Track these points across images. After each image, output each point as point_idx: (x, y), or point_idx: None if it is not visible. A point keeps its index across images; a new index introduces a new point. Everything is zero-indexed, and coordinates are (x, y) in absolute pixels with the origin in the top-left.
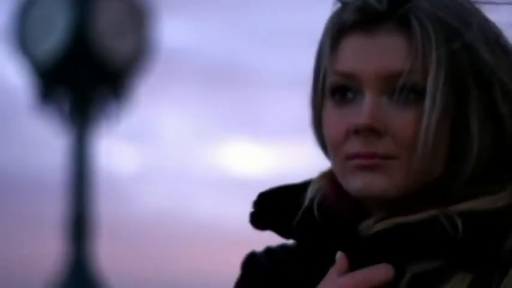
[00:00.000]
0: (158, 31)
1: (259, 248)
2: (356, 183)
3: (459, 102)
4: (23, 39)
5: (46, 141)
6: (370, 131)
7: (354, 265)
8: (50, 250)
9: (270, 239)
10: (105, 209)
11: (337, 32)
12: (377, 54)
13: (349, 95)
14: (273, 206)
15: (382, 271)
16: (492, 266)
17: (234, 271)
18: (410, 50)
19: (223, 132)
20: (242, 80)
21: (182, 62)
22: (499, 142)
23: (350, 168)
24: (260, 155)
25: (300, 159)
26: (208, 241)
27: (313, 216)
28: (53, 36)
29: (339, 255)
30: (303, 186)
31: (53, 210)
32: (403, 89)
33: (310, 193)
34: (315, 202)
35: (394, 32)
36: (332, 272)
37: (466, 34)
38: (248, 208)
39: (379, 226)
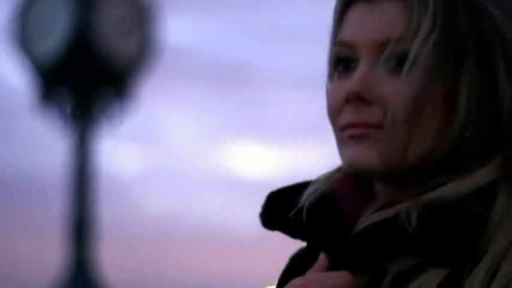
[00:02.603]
0: (162, 30)
1: (265, 249)
2: (347, 156)
3: (454, 71)
4: (24, 38)
5: (47, 142)
6: (360, 100)
7: (336, 265)
8: (51, 252)
9: (276, 241)
10: (107, 211)
11: (343, 4)
12: (374, 22)
13: (352, 65)
14: (279, 206)
15: (337, 278)
16: (465, 259)
17: (239, 272)
18: (406, 16)
19: (228, 133)
20: (248, 80)
21: (187, 62)
22: (491, 120)
23: (344, 139)
24: (266, 157)
25: (306, 161)
26: (213, 243)
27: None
28: (55, 35)
29: (321, 255)
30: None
31: (54, 212)
32: (395, 57)
33: (306, 193)
34: (306, 202)
35: (395, 1)
36: (309, 271)
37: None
38: (253, 210)
39: (361, 224)
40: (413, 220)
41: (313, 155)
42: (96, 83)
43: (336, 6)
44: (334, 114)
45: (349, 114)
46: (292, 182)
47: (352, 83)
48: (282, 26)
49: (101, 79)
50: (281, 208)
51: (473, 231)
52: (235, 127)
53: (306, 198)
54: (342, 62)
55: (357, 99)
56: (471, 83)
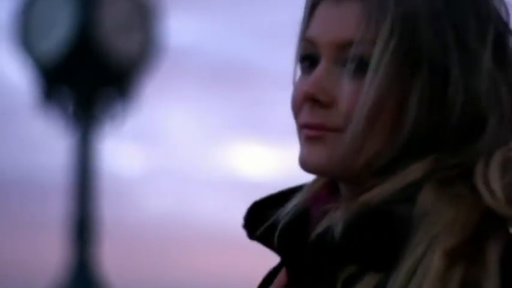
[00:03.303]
0: (164, 30)
1: (265, 250)
2: (301, 155)
3: (410, 76)
4: (26, 37)
5: (49, 141)
6: (316, 101)
7: (295, 279)
8: (52, 252)
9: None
10: (109, 211)
11: (312, 2)
12: (336, 22)
13: (316, 62)
14: (260, 217)
15: None
16: (392, 262)
17: (240, 273)
18: (364, 18)
19: (229, 132)
20: (249, 79)
21: (188, 62)
22: (441, 124)
23: (301, 138)
24: (267, 156)
25: None
26: (214, 243)
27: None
28: (57, 34)
29: (282, 270)
30: (294, 191)
31: (55, 212)
32: (353, 60)
33: (285, 209)
34: (282, 219)
35: (360, 0)
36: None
37: (438, 4)
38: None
39: (312, 236)
40: (339, 227)
41: None
42: (97, 82)
43: (306, 2)
44: (294, 111)
45: (306, 114)
46: (289, 185)
47: (308, 83)
48: (283, 26)
49: (102, 78)
50: (262, 219)
51: (395, 232)
52: (236, 127)
53: (282, 215)
54: (307, 58)
55: (312, 100)
56: (423, 89)
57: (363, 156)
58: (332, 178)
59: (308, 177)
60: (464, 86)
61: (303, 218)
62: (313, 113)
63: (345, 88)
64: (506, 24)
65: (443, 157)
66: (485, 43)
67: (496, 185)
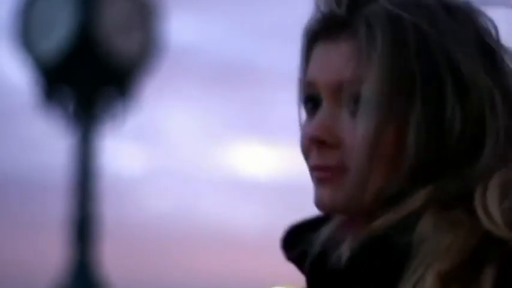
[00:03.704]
0: (165, 29)
1: (266, 249)
2: (315, 196)
3: (405, 107)
4: (27, 37)
5: (49, 141)
6: (322, 143)
7: None
8: (53, 252)
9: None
10: (109, 210)
11: (307, 41)
12: (331, 62)
13: (318, 104)
14: (296, 240)
15: None
16: None
17: (241, 272)
18: (357, 56)
19: (230, 132)
20: (250, 79)
21: (189, 61)
22: (440, 149)
23: (313, 180)
24: (268, 156)
25: None
26: (215, 243)
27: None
28: (57, 34)
29: None
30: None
31: (56, 212)
32: (351, 98)
33: (318, 238)
34: (313, 249)
35: (351, 38)
36: None
37: (428, 30)
38: (255, 209)
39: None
40: (346, 255)
41: None
42: (98, 82)
43: (302, 43)
44: (304, 153)
45: (315, 157)
46: (291, 185)
47: (313, 127)
48: (285, 26)
49: (103, 78)
50: (298, 242)
51: (393, 260)
52: (237, 127)
53: (314, 242)
54: (310, 100)
55: (318, 142)
56: (419, 118)
57: (369, 191)
58: (346, 214)
59: (308, 178)
60: (460, 110)
61: (330, 246)
62: (321, 155)
63: (347, 127)
64: (496, 40)
65: (443, 183)
66: (478, 63)
67: (495, 209)
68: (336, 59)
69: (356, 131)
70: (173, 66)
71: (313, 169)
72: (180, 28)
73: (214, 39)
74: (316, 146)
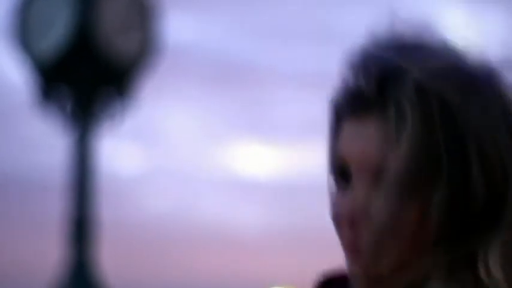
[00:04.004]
0: (164, 27)
1: (266, 249)
2: (347, 268)
3: (429, 186)
4: (25, 35)
5: (47, 140)
6: (353, 222)
7: None
8: (51, 252)
9: (277, 241)
10: (108, 210)
11: (336, 115)
12: (361, 141)
13: (349, 178)
14: None
15: None
16: None
17: (241, 272)
18: (386, 137)
19: (230, 132)
20: (250, 79)
21: (188, 60)
22: (459, 221)
23: (345, 254)
24: (267, 156)
25: (309, 160)
26: (215, 244)
27: None
28: (55, 33)
29: None
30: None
31: (54, 212)
32: (380, 179)
33: None
34: None
35: (380, 116)
36: None
37: (457, 109)
38: (255, 209)
39: None
40: None
41: (315, 154)
42: (96, 81)
43: (330, 117)
44: (335, 225)
45: (345, 233)
46: (291, 185)
47: (344, 205)
48: (283, 25)
49: (101, 77)
50: None
51: None
52: (237, 126)
53: None
54: (340, 173)
55: (350, 221)
56: (443, 195)
57: (391, 263)
58: (367, 283)
59: (308, 178)
60: (484, 186)
61: None
62: (352, 232)
63: (378, 205)
64: None
65: (454, 247)
66: (504, 139)
67: (499, 274)
68: (365, 137)
69: (380, 207)
70: (172, 65)
71: (343, 243)
72: (179, 27)
73: (214, 38)
74: (348, 224)
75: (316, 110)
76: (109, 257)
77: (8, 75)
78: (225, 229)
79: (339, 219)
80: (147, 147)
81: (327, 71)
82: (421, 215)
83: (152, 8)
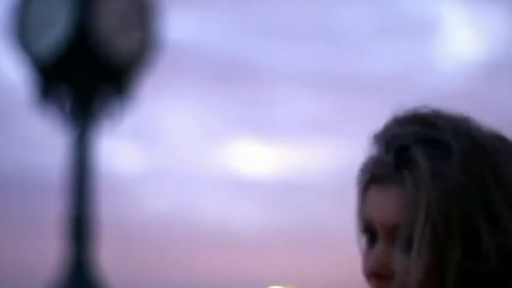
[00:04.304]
0: (163, 26)
1: (265, 248)
2: None
3: (445, 248)
4: (24, 35)
5: (46, 140)
6: (379, 277)
7: None
8: (49, 252)
9: (277, 240)
10: (107, 210)
11: (362, 182)
12: (384, 206)
13: (376, 238)
14: None
15: None
16: None
17: (240, 272)
18: (405, 203)
19: (229, 131)
20: (250, 78)
21: (188, 59)
22: (473, 283)
23: None
24: (267, 155)
25: (308, 159)
26: (215, 243)
27: None
28: (54, 32)
29: None
30: None
31: (53, 211)
32: (403, 238)
33: None
34: None
35: (399, 183)
36: None
37: (466, 179)
38: (254, 208)
39: None
40: None
41: (314, 153)
42: (96, 80)
43: (358, 183)
44: (366, 278)
45: (372, 286)
46: (291, 184)
47: (372, 261)
48: (283, 23)
49: (101, 76)
50: None
51: None
52: (236, 125)
53: None
54: (368, 233)
55: (377, 276)
56: (457, 259)
57: None
58: None
59: (308, 177)
60: (495, 246)
61: None
62: (379, 284)
63: (400, 262)
64: None
65: None
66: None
67: None
68: (387, 203)
69: (406, 267)
70: (172, 64)
71: None
72: (178, 25)
73: (214, 37)
74: (375, 278)
75: (316, 110)
76: (108, 256)
77: (7, 74)
78: (224, 228)
79: (367, 274)
80: (146, 146)
81: (326, 70)
82: (439, 275)
83: (152, 6)
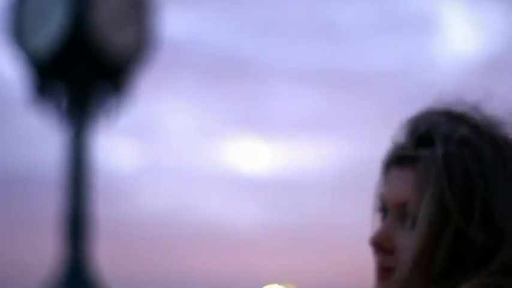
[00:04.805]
0: (160, 22)
1: (264, 247)
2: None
3: (441, 227)
4: (19, 31)
5: (42, 137)
6: (381, 248)
7: None
8: (46, 250)
9: (276, 239)
10: (104, 208)
11: (385, 165)
12: (397, 185)
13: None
14: None
15: None
16: None
17: (238, 270)
18: (417, 186)
19: (226, 128)
20: (246, 74)
21: (186, 55)
22: (461, 260)
23: (375, 273)
24: (264, 152)
25: (305, 156)
26: (212, 241)
27: None
28: (50, 29)
29: None
30: None
31: (49, 209)
32: (408, 217)
33: None
34: None
35: (414, 168)
36: None
37: (474, 179)
38: (251, 206)
39: None
40: None
41: (311, 150)
42: (92, 77)
43: (381, 167)
44: (372, 248)
45: (376, 258)
46: (289, 181)
47: (376, 233)
48: (281, 20)
49: (97, 73)
50: None
51: None
52: (234, 123)
53: None
54: (381, 211)
55: (377, 246)
56: (450, 239)
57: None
58: None
59: (305, 174)
60: (484, 236)
61: None
62: (381, 257)
63: (402, 239)
64: None
65: (445, 280)
66: (508, 205)
67: None
68: (401, 184)
69: (406, 243)
70: (169, 61)
71: (376, 265)
72: (175, 22)
73: (212, 34)
74: (378, 249)
75: (315, 107)
76: (105, 254)
77: (2, 71)
78: (222, 226)
79: (371, 244)
80: (143, 144)
81: (325, 67)
82: (430, 251)
83: (148, 3)
